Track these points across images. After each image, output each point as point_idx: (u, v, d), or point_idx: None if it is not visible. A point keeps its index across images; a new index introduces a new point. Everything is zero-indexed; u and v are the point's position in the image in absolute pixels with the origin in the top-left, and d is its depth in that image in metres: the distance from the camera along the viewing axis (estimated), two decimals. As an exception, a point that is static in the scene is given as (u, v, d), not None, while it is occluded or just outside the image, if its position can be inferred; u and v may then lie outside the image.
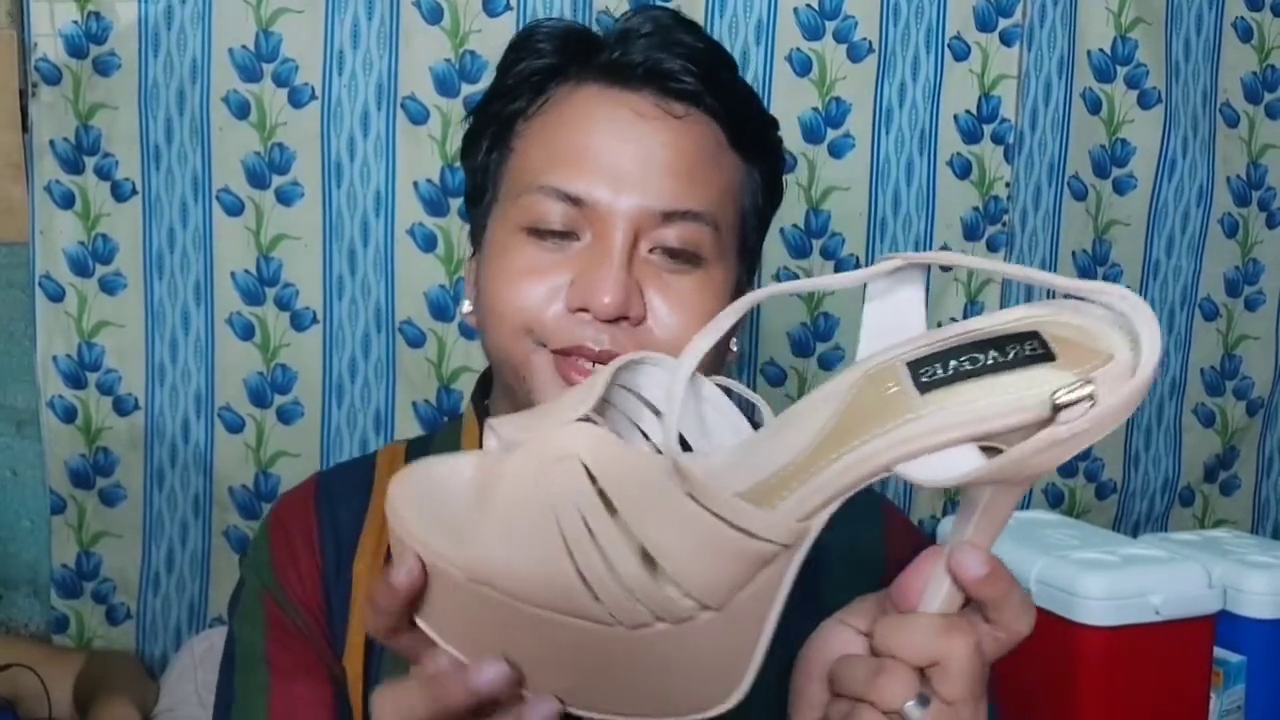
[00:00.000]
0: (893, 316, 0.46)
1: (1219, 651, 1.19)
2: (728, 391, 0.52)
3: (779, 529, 0.42)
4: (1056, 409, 0.39)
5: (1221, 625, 1.19)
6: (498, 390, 0.74)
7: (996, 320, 0.43)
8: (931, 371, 0.42)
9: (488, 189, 0.71)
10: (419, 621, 0.47)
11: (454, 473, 0.48)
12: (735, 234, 0.70)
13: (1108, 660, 1.11)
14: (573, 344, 0.64)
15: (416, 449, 0.78)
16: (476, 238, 0.73)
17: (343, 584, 0.71)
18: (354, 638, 0.69)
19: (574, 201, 0.65)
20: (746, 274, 0.73)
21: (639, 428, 0.51)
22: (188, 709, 1.25)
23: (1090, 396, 0.39)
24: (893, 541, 0.75)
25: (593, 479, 0.43)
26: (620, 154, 0.65)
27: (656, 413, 0.51)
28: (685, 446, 0.49)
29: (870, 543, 0.73)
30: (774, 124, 0.74)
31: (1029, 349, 0.41)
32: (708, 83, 0.67)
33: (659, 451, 0.49)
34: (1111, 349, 0.40)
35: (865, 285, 0.47)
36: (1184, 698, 1.16)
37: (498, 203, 0.70)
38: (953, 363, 0.42)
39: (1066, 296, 0.42)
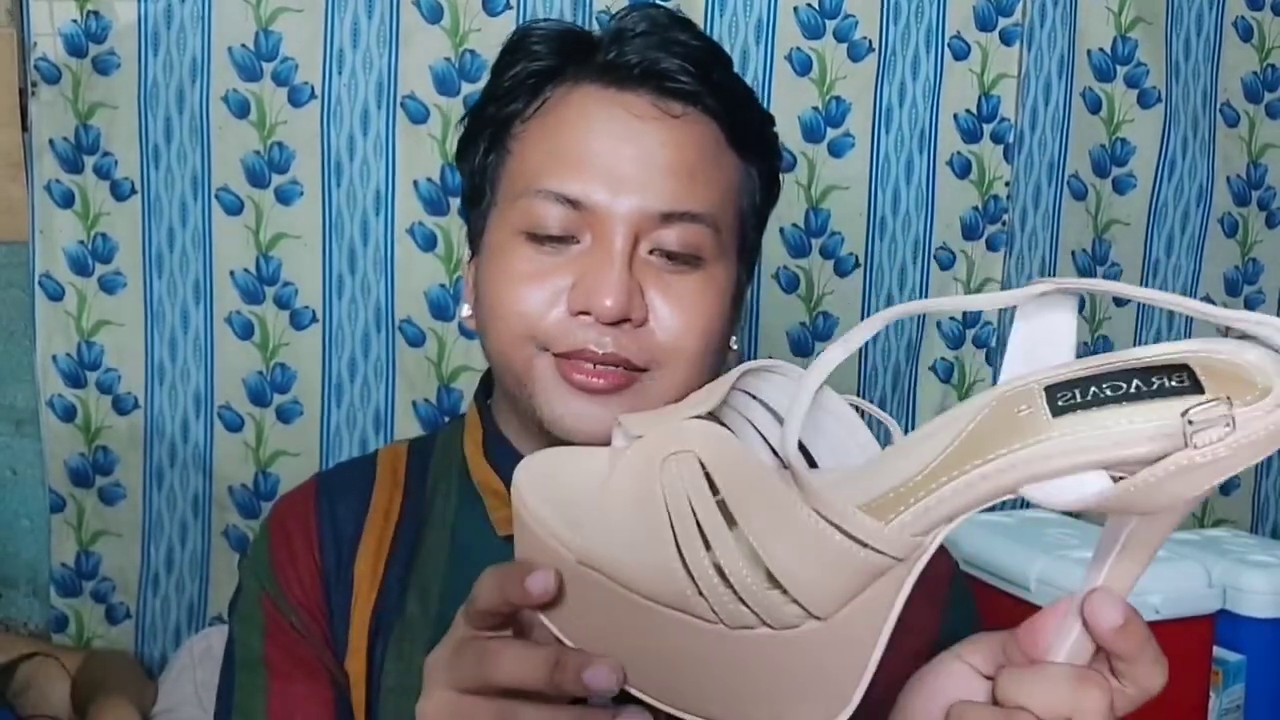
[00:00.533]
0: (1040, 341, 0.45)
1: (1218, 650, 1.19)
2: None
3: (892, 541, 0.41)
4: (1189, 427, 0.37)
5: (1221, 624, 1.19)
6: (499, 392, 0.74)
7: (1150, 351, 0.41)
8: (1069, 396, 0.40)
9: (485, 192, 0.71)
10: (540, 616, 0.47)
11: (582, 461, 0.49)
12: (735, 233, 0.70)
13: (1107, 659, 1.11)
14: (575, 348, 0.64)
15: (419, 449, 0.77)
16: (475, 240, 0.72)
17: (343, 585, 0.71)
18: (356, 639, 0.69)
19: (572, 204, 0.65)
20: (746, 272, 0.73)
21: (756, 428, 0.51)
22: (187, 709, 1.25)
23: (1227, 418, 0.37)
24: None
25: (707, 475, 0.43)
26: (618, 155, 0.65)
27: (776, 417, 0.50)
28: (807, 457, 0.49)
29: None
30: (771, 120, 0.73)
31: (1175, 381, 0.39)
32: (705, 82, 0.67)
33: (776, 454, 0.49)
34: (1270, 383, 0.37)
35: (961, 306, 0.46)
36: (1184, 697, 1.16)
37: (495, 206, 0.69)
38: (1093, 389, 0.40)
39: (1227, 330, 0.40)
